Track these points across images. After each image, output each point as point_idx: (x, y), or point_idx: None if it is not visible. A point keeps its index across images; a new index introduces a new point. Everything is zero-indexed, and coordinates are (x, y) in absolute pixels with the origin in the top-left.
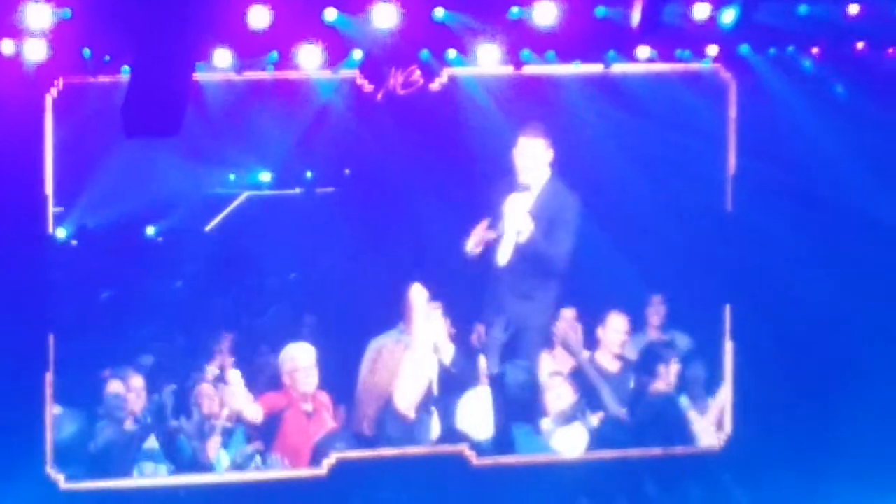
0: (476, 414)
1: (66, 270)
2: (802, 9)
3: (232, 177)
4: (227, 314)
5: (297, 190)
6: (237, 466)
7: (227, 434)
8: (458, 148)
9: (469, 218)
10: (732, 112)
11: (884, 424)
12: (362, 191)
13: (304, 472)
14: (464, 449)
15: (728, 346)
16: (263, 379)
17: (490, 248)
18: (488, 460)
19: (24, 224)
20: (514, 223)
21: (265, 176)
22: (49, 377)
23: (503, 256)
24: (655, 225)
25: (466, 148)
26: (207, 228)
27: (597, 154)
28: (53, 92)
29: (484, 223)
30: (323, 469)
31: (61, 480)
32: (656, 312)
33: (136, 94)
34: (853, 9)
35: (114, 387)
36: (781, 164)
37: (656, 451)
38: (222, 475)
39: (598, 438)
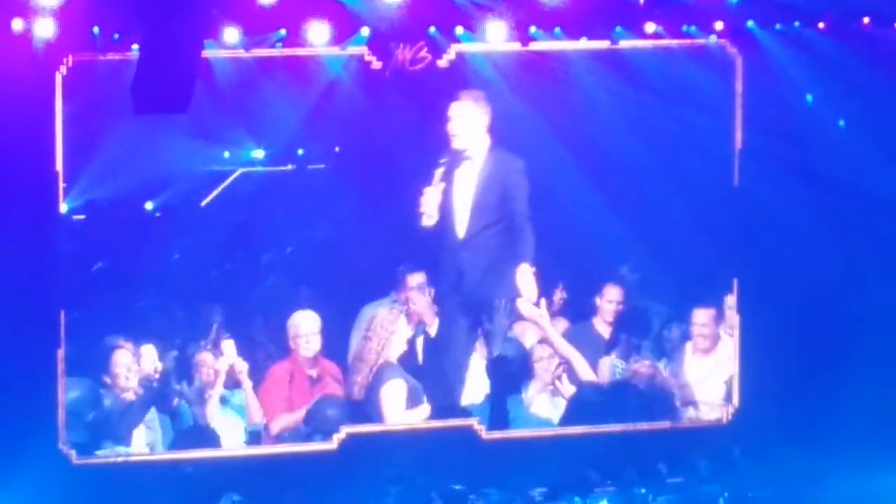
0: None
1: (75, 246)
2: None
3: (227, 154)
4: (223, 287)
5: (290, 166)
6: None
7: (224, 401)
8: None
9: None
10: (739, 87)
11: (888, 399)
12: (364, 166)
13: (314, 446)
14: (473, 423)
15: (735, 321)
16: (260, 349)
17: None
18: (497, 434)
19: (34, 201)
20: (462, 196)
21: (258, 153)
22: (61, 353)
23: (461, 230)
24: (662, 199)
25: None
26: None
27: (603, 129)
28: (63, 70)
29: (430, 191)
30: (333, 443)
31: (73, 455)
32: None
33: (145, 72)
34: None
35: (118, 356)
36: (788, 139)
37: (664, 424)
38: (232, 450)
39: (574, 406)
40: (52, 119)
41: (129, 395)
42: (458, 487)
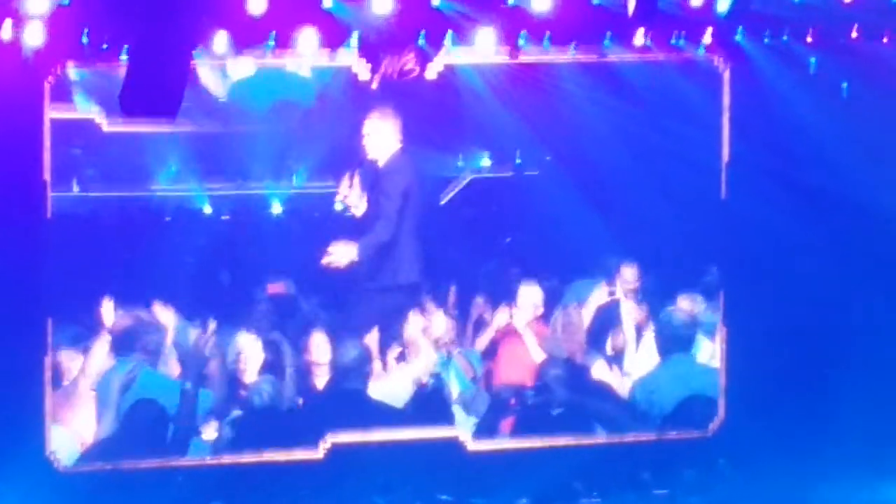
0: None
1: (63, 254)
2: None
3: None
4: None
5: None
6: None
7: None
8: None
9: None
10: (727, 99)
11: (875, 409)
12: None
13: (300, 454)
14: (459, 434)
15: (721, 333)
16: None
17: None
18: (483, 445)
19: (24, 209)
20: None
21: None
22: (48, 360)
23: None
24: (650, 212)
25: None
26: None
27: (591, 140)
28: (51, 78)
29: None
30: (319, 452)
31: (60, 464)
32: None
33: (134, 79)
34: None
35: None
36: (776, 152)
37: (650, 435)
38: (219, 458)
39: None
40: (40, 127)
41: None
42: (444, 498)
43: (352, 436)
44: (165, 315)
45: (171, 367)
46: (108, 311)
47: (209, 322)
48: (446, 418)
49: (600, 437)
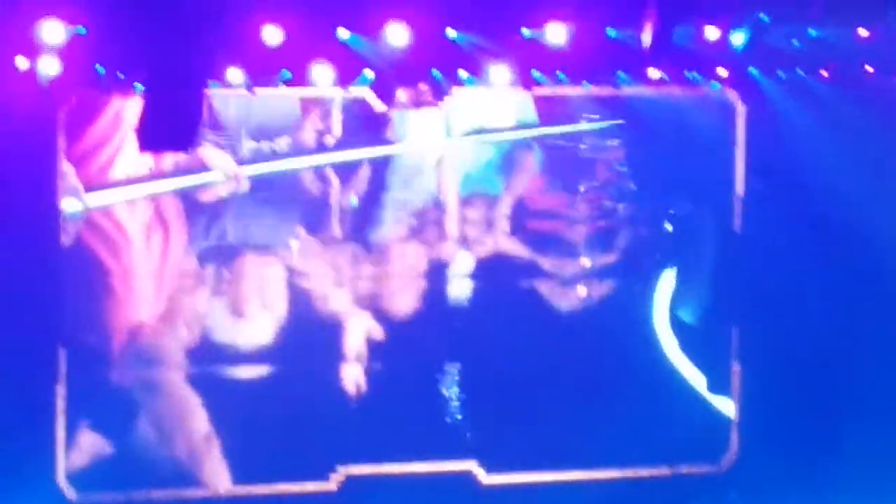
0: None
1: (77, 285)
2: (812, 31)
3: None
4: None
5: None
6: None
7: None
8: None
9: None
10: (741, 134)
11: (889, 447)
12: None
13: (313, 485)
14: (472, 467)
15: (735, 368)
16: None
17: None
18: (497, 478)
19: (38, 238)
20: None
21: None
22: (60, 389)
23: None
24: (663, 245)
25: None
26: None
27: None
28: (66, 107)
29: None
30: (332, 484)
31: (73, 493)
32: None
33: (149, 112)
34: (862, 32)
35: None
36: (790, 186)
37: (663, 470)
38: (231, 490)
39: None
40: (55, 157)
41: None
42: None
43: (365, 468)
44: None
45: None
46: None
47: None
48: None
49: (614, 472)
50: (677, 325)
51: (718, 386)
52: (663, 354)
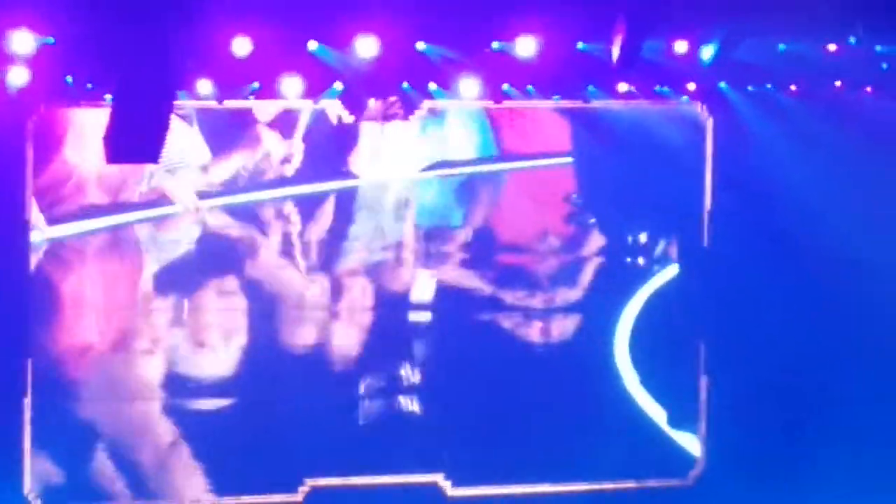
0: None
1: (44, 296)
2: (781, 46)
3: None
4: None
5: None
6: None
7: None
8: None
9: None
10: (710, 148)
11: (857, 459)
12: None
13: (279, 498)
14: (438, 479)
15: (702, 382)
16: None
17: None
18: (462, 491)
19: (4, 251)
20: None
21: None
22: (27, 401)
23: None
24: (630, 257)
25: None
26: None
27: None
28: (34, 118)
29: None
30: (299, 496)
31: None
32: None
33: (117, 122)
34: (831, 47)
35: None
36: (758, 201)
37: (630, 483)
38: (196, 500)
39: None
40: (23, 167)
41: None
42: None
43: (332, 480)
44: None
45: None
46: None
47: None
48: None
49: (581, 485)
50: (640, 357)
51: (680, 421)
52: (625, 389)
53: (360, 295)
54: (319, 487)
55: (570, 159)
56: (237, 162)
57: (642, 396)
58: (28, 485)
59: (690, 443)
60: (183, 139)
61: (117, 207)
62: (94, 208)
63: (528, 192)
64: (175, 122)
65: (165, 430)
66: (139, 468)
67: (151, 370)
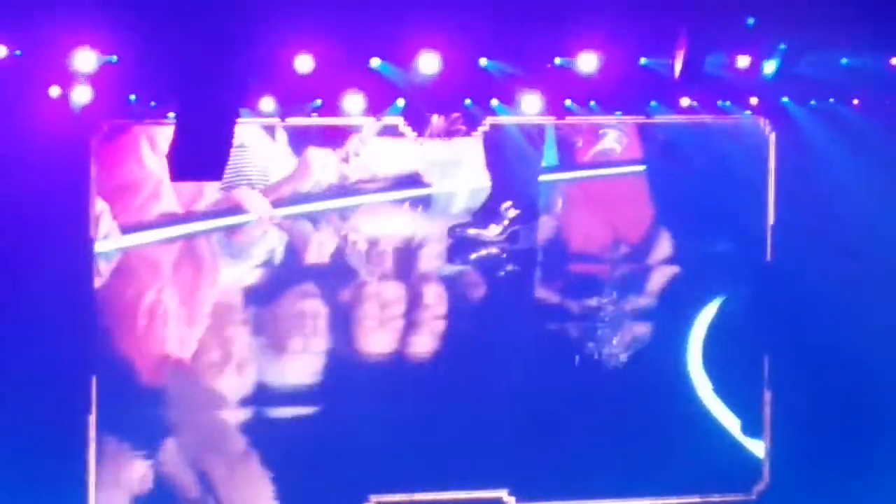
0: None
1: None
2: (843, 60)
3: None
4: None
5: None
6: None
7: None
8: None
9: None
10: (772, 162)
11: None
12: None
13: None
14: (503, 495)
15: (767, 396)
16: None
17: None
18: None
19: (69, 266)
20: None
21: None
22: (92, 419)
23: None
24: (694, 273)
25: None
26: None
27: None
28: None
29: None
30: None
31: None
32: None
33: (181, 139)
34: (894, 61)
35: None
36: (821, 215)
37: (694, 498)
38: None
39: None
40: (87, 185)
41: None
42: None
43: (396, 496)
44: None
45: None
46: None
47: None
48: None
49: (646, 500)
50: (712, 367)
51: (752, 429)
52: (697, 397)
53: (435, 302)
54: (384, 503)
55: (642, 167)
56: (314, 172)
57: (715, 405)
58: (93, 501)
59: (760, 450)
60: (263, 151)
61: (192, 216)
62: (169, 217)
63: (599, 201)
64: (257, 135)
65: (237, 439)
66: (208, 479)
67: (225, 380)
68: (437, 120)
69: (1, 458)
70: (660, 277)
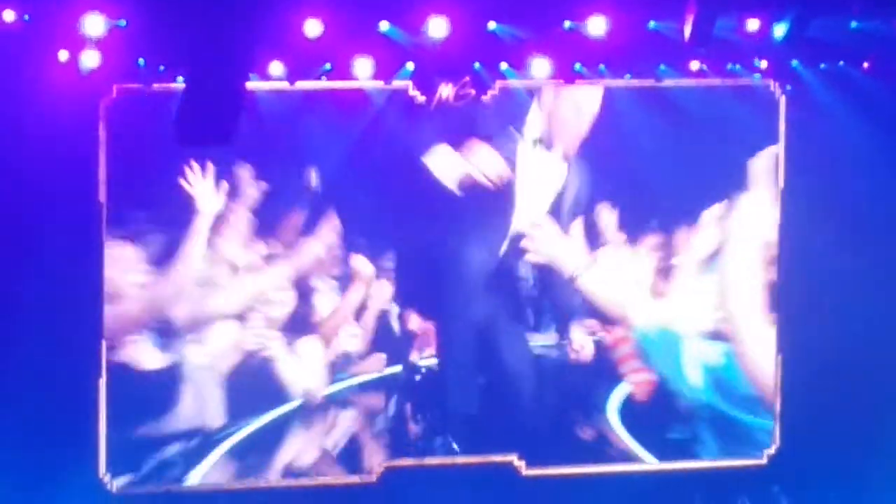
0: None
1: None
2: (853, 24)
3: None
4: None
5: None
6: None
7: None
8: None
9: None
10: (782, 126)
11: None
12: None
13: (354, 479)
14: (513, 459)
15: (777, 359)
16: None
17: None
18: (538, 470)
19: (78, 231)
20: None
21: None
22: (102, 383)
23: None
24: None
25: None
26: None
27: (646, 166)
28: (107, 99)
29: None
30: (372, 476)
31: (114, 486)
32: None
33: (189, 104)
34: None
35: None
36: (831, 178)
37: (705, 462)
38: (269, 482)
39: None
40: (96, 149)
41: None
42: None
43: (405, 461)
44: None
45: None
46: None
47: None
48: None
49: (654, 465)
50: None
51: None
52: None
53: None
54: (393, 468)
55: None
56: None
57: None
58: (104, 466)
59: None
60: None
61: None
62: None
63: None
64: None
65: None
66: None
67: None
68: (444, 87)
69: (10, 448)
70: None
